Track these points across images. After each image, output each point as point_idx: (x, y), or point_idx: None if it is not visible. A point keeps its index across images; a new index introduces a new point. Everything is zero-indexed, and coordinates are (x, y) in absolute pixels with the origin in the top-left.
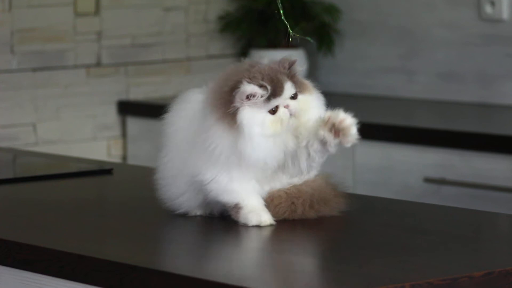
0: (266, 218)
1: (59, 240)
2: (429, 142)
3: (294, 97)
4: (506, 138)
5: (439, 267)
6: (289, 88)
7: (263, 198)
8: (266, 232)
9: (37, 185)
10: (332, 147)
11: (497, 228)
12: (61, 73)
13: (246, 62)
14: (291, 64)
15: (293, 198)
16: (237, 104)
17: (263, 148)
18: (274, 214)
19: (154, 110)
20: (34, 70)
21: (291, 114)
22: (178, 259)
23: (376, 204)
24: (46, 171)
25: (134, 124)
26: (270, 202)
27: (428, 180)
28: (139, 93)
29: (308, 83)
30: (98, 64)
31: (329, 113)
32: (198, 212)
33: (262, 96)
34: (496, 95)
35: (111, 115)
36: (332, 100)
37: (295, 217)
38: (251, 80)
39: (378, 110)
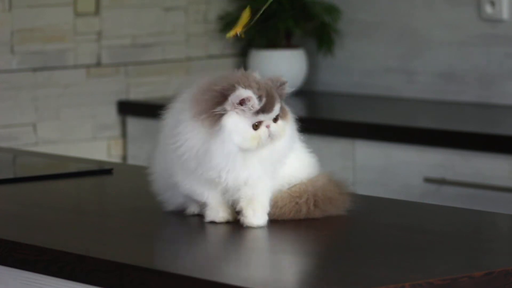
0: (221, 215)
1: (59, 240)
2: (429, 142)
3: (276, 119)
4: (506, 138)
5: (439, 267)
6: (277, 109)
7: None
8: (266, 232)
9: (37, 185)
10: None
11: (497, 228)
12: (61, 73)
13: (239, 71)
14: (282, 84)
15: (296, 198)
16: (227, 106)
17: (233, 160)
18: (279, 215)
19: (154, 110)
20: (34, 70)
21: (269, 136)
22: (178, 259)
23: (376, 204)
24: (46, 171)
25: (134, 124)
26: (274, 204)
27: (428, 180)
28: (139, 93)
29: (288, 110)
30: (98, 64)
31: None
32: (196, 211)
33: (253, 107)
34: (496, 95)
35: (111, 115)
36: (332, 100)
37: (300, 217)
38: (247, 87)
39: (378, 110)
